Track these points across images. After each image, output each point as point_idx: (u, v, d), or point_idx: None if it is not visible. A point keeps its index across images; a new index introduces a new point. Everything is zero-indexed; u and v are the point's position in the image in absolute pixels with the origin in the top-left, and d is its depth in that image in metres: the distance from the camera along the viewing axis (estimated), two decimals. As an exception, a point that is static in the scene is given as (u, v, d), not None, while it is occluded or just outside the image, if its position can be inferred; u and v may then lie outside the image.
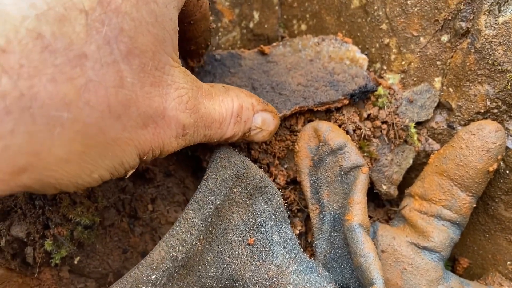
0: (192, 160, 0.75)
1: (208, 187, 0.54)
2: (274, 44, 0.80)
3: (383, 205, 0.80)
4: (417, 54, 0.75)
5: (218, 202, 0.55)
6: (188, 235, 0.51)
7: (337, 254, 0.62)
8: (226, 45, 0.82)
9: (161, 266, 0.50)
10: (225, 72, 0.75)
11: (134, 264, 0.67)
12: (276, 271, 0.56)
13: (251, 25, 0.86)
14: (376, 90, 0.72)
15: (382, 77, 0.79)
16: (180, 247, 0.51)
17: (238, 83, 0.73)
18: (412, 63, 0.76)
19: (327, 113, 0.72)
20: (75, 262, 0.61)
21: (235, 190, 0.57)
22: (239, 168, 0.57)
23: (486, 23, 0.66)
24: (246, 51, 0.80)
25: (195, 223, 0.52)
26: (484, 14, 0.66)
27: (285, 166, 0.72)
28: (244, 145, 0.70)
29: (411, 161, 0.74)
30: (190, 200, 0.54)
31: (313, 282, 0.55)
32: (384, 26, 0.77)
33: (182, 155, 0.74)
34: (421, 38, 0.74)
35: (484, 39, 0.66)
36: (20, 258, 0.61)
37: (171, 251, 0.50)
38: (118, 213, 0.68)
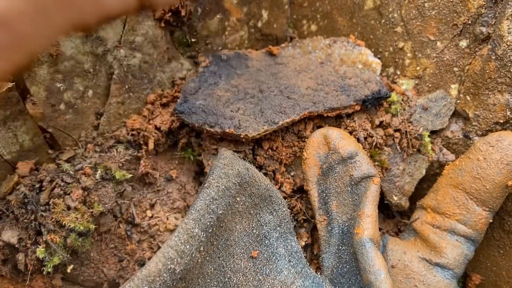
0: (194, 165, 0.72)
1: (210, 196, 0.51)
2: (283, 45, 0.77)
3: (393, 216, 0.76)
4: (433, 59, 0.71)
5: (220, 212, 0.51)
6: (188, 246, 0.48)
7: (345, 269, 0.59)
8: (233, 45, 0.79)
9: (158, 279, 0.47)
10: (231, 73, 0.72)
11: (130, 273, 0.64)
12: (281, 286, 0.53)
13: (259, 24, 0.82)
14: (389, 96, 0.68)
15: (395, 82, 0.75)
16: (179, 259, 0.48)
17: (244, 85, 0.69)
18: (427, 69, 0.72)
19: (338, 119, 0.69)
20: (68, 270, 0.57)
21: (238, 199, 0.54)
22: (243, 176, 0.54)
23: (509, 28, 0.62)
24: (254, 51, 0.77)
25: (195, 233, 0.49)
26: (507, 19, 0.62)
27: (292, 174, 0.69)
28: (249, 150, 0.67)
29: (424, 172, 0.71)
30: (190, 209, 0.50)
31: (319, 300, 0.52)
32: (399, 29, 0.73)
33: (183, 159, 0.71)
34: (438, 43, 0.70)
35: (506, 46, 0.63)
36: (11, 264, 0.58)
37: (169, 263, 0.47)
38: (115, 219, 0.65)
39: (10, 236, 0.55)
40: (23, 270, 0.57)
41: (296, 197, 0.68)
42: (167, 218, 0.67)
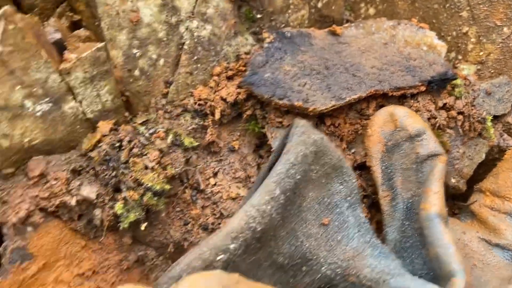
0: (255, 138, 0.74)
1: (289, 161, 0.53)
2: (346, 25, 0.78)
3: (446, 199, 0.77)
4: (498, 45, 0.72)
5: (298, 177, 0.53)
6: (269, 207, 0.50)
7: (408, 244, 0.60)
8: (294, 23, 0.80)
9: (240, 235, 0.49)
10: (296, 49, 0.73)
11: (194, 236, 0.66)
12: (353, 253, 0.54)
13: (319, 4, 0.83)
14: (456, 78, 0.69)
15: (456, 67, 0.76)
16: (260, 219, 0.49)
17: (310, 62, 0.71)
18: (491, 54, 0.72)
19: (401, 99, 0.70)
20: (142, 228, 0.60)
21: (312, 167, 0.55)
22: (318, 145, 0.55)
23: None
24: (316, 30, 0.78)
25: (276, 195, 0.50)
26: None
27: (353, 151, 0.70)
28: (313, 124, 0.68)
29: (483, 156, 0.71)
30: (271, 173, 0.52)
31: (391, 267, 0.53)
32: (464, 14, 0.74)
33: (245, 131, 0.73)
34: (505, 28, 0.71)
35: None
36: (86, 219, 0.60)
37: (251, 221, 0.49)
38: (181, 184, 0.67)
39: (89, 191, 0.58)
40: (99, 225, 0.59)
41: (356, 174, 0.69)
42: (229, 187, 0.69)
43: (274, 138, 0.69)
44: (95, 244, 0.62)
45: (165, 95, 0.70)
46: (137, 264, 0.65)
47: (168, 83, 0.70)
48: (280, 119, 0.68)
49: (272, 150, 0.69)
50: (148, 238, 0.65)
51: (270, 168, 0.61)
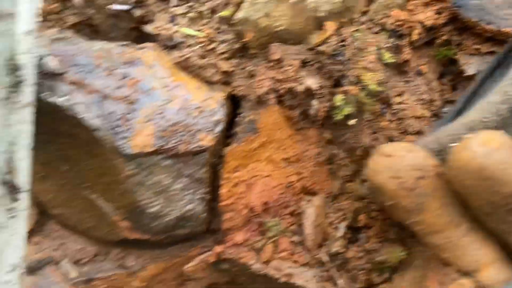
0: (440, 66, 0.76)
1: (522, 71, 0.55)
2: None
3: None
4: None
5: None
6: (504, 107, 0.53)
7: None
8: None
9: (475, 128, 0.52)
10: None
11: (382, 144, 0.71)
12: None
13: None
14: None
15: None
16: (495, 117, 0.53)
17: (513, -5, 0.72)
18: None
19: None
20: (351, 123, 0.65)
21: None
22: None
23: None
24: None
25: (510, 96, 0.53)
26: None
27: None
28: None
29: None
30: (505, 79, 0.55)
31: None
32: None
33: (433, 58, 0.76)
34: None
35: None
36: (301, 109, 0.67)
37: (487, 116, 0.52)
38: (373, 96, 0.71)
39: (313, 82, 0.64)
40: (313, 115, 0.65)
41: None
42: (414, 107, 0.73)
43: (468, 65, 0.71)
44: (298, 135, 0.69)
45: (364, 13, 0.74)
46: (328, 161, 0.71)
47: (369, 1, 0.74)
48: (478, 46, 0.71)
49: (463, 74, 0.72)
50: (341, 139, 0.70)
51: (474, 90, 0.64)
